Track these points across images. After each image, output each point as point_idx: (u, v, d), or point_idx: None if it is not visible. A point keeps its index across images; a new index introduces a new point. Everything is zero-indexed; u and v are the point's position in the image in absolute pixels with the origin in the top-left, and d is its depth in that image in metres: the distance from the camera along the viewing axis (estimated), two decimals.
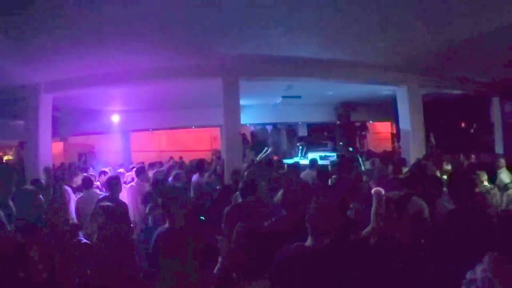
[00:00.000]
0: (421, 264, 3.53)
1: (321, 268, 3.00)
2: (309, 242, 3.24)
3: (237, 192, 6.46)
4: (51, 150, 11.14)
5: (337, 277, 2.96)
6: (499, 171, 9.51)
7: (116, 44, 8.10)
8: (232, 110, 10.55)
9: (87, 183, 8.02)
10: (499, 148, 16.51)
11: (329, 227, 3.19)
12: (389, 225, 3.95)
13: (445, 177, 8.42)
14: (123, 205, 6.80)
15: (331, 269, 3.00)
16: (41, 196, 4.36)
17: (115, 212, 5.30)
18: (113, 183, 7.34)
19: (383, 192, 3.85)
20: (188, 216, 4.57)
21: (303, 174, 9.43)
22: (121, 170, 11.11)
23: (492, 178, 8.71)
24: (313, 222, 3.21)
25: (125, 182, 10.06)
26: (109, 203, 5.51)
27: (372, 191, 3.89)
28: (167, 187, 7.62)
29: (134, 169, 9.99)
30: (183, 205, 4.49)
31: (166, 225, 4.41)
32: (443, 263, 3.31)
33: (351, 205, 5.09)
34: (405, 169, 9.19)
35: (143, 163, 12.91)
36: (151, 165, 11.25)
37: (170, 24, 7.27)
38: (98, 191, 8.50)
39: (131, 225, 7.12)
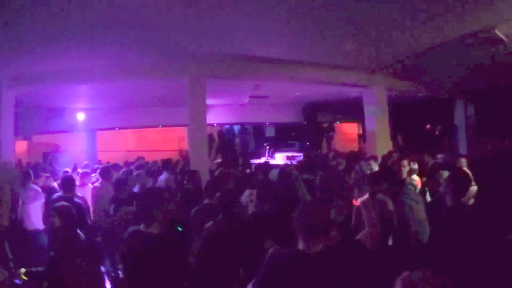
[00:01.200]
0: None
1: (314, 276, 2.88)
2: (301, 246, 3.06)
3: None
4: (14, 149, 10.88)
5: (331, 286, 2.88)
6: None
7: (82, 40, 7.95)
8: (198, 109, 10.50)
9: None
10: (462, 150, 16.95)
11: (320, 230, 3.01)
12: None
13: (414, 176, 8.67)
14: (78, 205, 6.77)
15: (325, 277, 2.88)
16: None
17: (70, 212, 5.26)
18: (69, 183, 7.33)
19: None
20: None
21: (271, 174, 9.48)
22: (86, 170, 11.00)
23: None
24: (300, 224, 3.05)
25: (91, 182, 9.99)
26: (64, 203, 5.48)
27: (360, 200, 3.80)
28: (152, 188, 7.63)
29: (98, 169, 9.91)
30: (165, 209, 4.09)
31: (141, 227, 4.03)
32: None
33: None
34: (375, 166, 9.37)
35: (109, 163, 12.80)
36: (114, 166, 11.10)
37: (136, 22, 7.20)
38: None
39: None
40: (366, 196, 3.64)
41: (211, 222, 4.62)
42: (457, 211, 4.60)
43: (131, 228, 4.21)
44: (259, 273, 2.96)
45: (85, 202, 8.05)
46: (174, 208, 4.21)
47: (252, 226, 4.56)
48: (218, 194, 5.06)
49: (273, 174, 9.24)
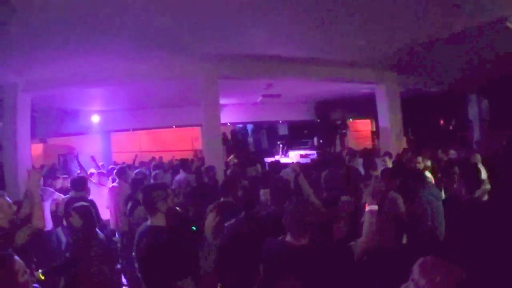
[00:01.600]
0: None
1: (295, 266, 3.05)
2: (288, 238, 3.28)
3: None
4: (30, 152, 10.98)
5: (308, 279, 3.00)
6: None
7: (96, 43, 8.04)
8: (212, 109, 10.58)
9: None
10: (477, 144, 16.84)
11: (305, 226, 3.22)
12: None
13: (427, 173, 8.62)
14: (94, 205, 6.86)
15: (304, 269, 3.04)
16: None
17: (90, 212, 5.31)
18: (80, 183, 7.43)
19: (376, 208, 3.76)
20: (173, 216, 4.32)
21: (283, 172, 9.50)
22: (102, 171, 11.07)
23: None
24: (289, 219, 3.25)
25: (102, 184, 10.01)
26: (83, 203, 5.52)
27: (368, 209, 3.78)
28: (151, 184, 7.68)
29: (115, 170, 9.96)
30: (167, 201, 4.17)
31: (148, 222, 4.13)
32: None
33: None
34: (390, 163, 9.36)
35: (124, 163, 12.88)
36: (129, 167, 11.17)
37: (149, 24, 7.27)
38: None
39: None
40: (375, 207, 3.63)
41: (233, 221, 4.65)
42: (471, 207, 4.59)
43: (141, 226, 4.28)
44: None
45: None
46: (179, 201, 4.30)
47: (268, 226, 4.60)
48: (240, 193, 5.09)
49: (286, 173, 9.31)
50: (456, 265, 2.33)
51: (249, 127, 21.21)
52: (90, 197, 7.67)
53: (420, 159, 8.71)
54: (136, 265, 4.10)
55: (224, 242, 3.53)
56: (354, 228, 4.06)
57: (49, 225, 8.14)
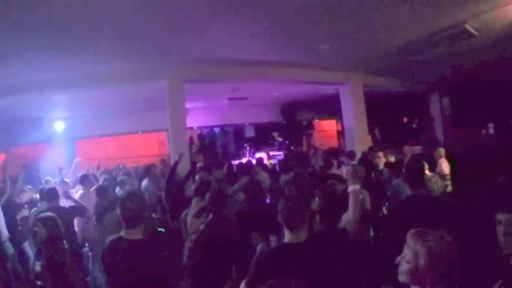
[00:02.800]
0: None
1: (302, 262, 3.10)
2: (288, 238, 3.36)
3: None
4: None
5: (323, 269, 3.07)
6: (439, 160, 10.02)
7: (58, 48, 7.93)
8: (178, 113, 10.56)
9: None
10: (439, 141, 17.31)
11: (302, 220, 3.36)
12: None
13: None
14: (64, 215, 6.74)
15: (318, 261, 3.12)
16: None
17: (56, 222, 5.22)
18: (53, 194, 7.32)
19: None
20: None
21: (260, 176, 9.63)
22: (66, 179, 10.91)
23: (433, 167, 9.21)
24: (287, 216, 3.35)
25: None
26: (49, 213, 5.44)
27: (351, 190, 3.96)
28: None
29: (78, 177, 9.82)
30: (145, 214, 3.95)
31: (124, 234, 3.89)
32: None
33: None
34: (353, 162, 9.54)
35: (88, 170, 12.75)
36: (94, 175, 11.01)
37: (113, 28, 7.22)
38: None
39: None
40: (357, 186, 3.83)
41: (203, 224, 4.71)
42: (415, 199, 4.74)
43: (111, 237, 4.21)
44: (252, 271, 3.10)
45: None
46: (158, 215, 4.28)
47: (239, 223, 4.68)
48: (207, 195, 5.13)
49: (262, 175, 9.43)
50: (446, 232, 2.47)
51: (216, 130, 21.21)
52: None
53: (380, 154, 8.92)
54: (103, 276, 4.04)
55: (194, 246, 3.57)
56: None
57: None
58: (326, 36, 8.91)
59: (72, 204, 7.75)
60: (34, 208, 8.24)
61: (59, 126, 16.27)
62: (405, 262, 2.50)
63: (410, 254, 2.46)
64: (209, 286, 2.70)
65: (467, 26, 8.54)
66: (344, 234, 3.73)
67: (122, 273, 3.58)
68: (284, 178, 7.80)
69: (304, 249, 3.24)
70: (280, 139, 20.30)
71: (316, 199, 4.27)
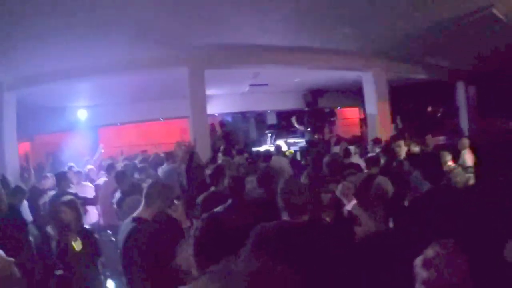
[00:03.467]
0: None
1: (298, 244, 3.05)
2: (285, 218, 3.29)
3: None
4: (17, 151, 10.90)
5: (311, 255, 3.01)
6: (463, 151, 9.80)
7: (80, 37, 7.98)
8: (199, 100, 10.57)
9: None
10: (465, 131, 17.00)
11: (303, 203, 3.24)
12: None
13: None
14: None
15: (308, 246, 3.05)
16: None
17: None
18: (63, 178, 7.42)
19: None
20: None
21: (273, 161, 9.60)
22: (90, 166, 10.99)
23: (456, 158, 9.05)
24: (285, 197, 3.26)
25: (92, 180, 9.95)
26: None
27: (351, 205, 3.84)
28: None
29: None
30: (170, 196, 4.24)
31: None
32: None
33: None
34: (377, 150, 9.44)
35: (111, 157, 12.84)
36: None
37: (134, 16, 7.22)
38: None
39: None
40: (353, 202, 3.69)
41: (220, 208, 4.67)
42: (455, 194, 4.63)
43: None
44: (247, 247, 3.04)
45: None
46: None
47: (256, 210, 4.62)
48: (226, 181, 5.09)
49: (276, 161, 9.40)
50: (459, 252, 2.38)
51: (238, 117, 21.20)
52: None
53: (401, 143, 8.80)
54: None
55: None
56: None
57: None
58: (349, 19, 8.78)
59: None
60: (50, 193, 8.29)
61: (82, 114, 16.41)
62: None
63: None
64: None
65: (494, 11, 8.31)
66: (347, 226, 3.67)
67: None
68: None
69: (296, 231, 3.17)
70: (299, 127, 20.14)
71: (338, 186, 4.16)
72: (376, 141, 10.29)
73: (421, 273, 2.39)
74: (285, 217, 3.28)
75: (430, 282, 2.32)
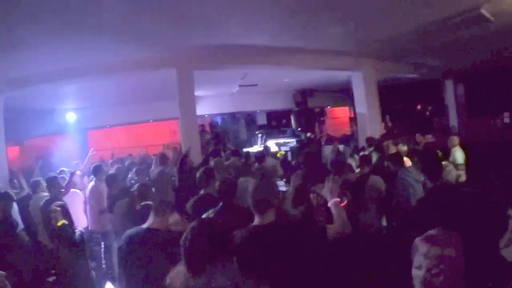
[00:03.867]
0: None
1: (266, 245, 3.09)
2: (256, 221, 3.35)
3: None
4: (6, 155, 10.79)
5: (279, 255, 3.04)
6: (453, 149, 9.86)
7: (67, 39, 7.90)
8: (188, 101, 10.54)
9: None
10: (453, 129, 17.15)
11: (268, 202, 3.31)
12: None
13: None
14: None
15: (275, 246, 3.08)
16: None
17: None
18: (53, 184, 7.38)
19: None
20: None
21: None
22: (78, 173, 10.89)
23: (446, 156, 9.13)
24: (252, 198, 3.33)
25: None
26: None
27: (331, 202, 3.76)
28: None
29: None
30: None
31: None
32: None
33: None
34: (370, 149, 9.50)
35: (102, 160, 12.78)
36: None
37: (122, 16, 7.16)
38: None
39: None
40: (337, 199, 3.66)
41: (211, 212, 4.62)
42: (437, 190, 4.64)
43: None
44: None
45: None
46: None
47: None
48: (217, 184, 5.03)
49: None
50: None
51: (227, 117, 21.20)
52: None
53: (390, 143, 8.87)
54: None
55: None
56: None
57: None
58: (337, 19, 8.78)
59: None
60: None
61: (71, 117, 16.33)
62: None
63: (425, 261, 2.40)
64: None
65: (483, 11, 8.35)
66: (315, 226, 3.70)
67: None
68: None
69: (263, 232, 3.24)
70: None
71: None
72: (369, 140, 10.36)
73: (421, 247, 2.43)
74: (256, 217, 3.35)
75: (429, 255, 2.37)
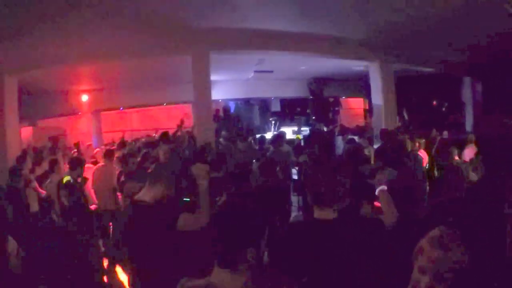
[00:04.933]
0: None
1: (327, 242, 2.77)
2: (316, 214, 2.94)
3: None
4: (19, 136, 10.80)
5: (340, 256, 2.75)
6: (468, 146, 9.72)
7: (84, 20, 7.85)
8: (203, 85, 10.40)
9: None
10: (469, 127, 16.94)
11: (333, 195, 2.87)
12: None
13: (422, 151, 8.69)
14: None
15: (337, 243, 2.78)
16: None
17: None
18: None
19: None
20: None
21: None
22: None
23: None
24: (313, 189, 2.91)
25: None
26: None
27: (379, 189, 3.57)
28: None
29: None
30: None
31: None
32: None
33: None
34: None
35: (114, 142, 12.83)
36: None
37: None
38: None
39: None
40: (384, 187, 3.49)
41: (224, 197, 4.53)
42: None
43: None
44: (278, 240, 2.87)
45: None
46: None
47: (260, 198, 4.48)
48: (229, 168, 4.94)
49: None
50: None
51: (241, 103, 21.13)
52: None
53: (407, 137, 8.82)
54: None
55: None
56: None
57: None
58: (357, 7, 8.61)
59: None
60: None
61: (84, 98, 16.33)
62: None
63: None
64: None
65: (507, 6, 8.14)
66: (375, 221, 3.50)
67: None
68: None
69: (324, 228, 2.86)
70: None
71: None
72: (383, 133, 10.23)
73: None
74: (315, 210, 2.93)
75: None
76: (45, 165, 9.57)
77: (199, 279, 2.10)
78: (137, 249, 3.52)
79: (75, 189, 6.42)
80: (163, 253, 3.34)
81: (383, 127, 11.57)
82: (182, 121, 12.04)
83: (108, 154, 8.85)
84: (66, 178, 6.64)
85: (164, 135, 10.51)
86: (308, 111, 21.04)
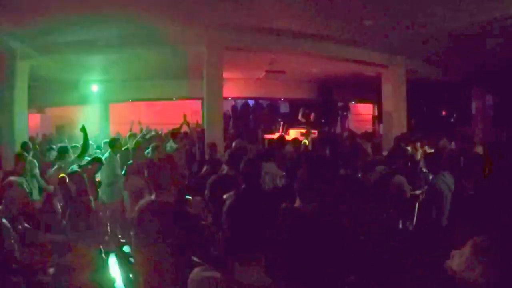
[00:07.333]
0: None
1: (305, 230, 2.97)
2: (297, 203, 3.22)
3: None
4: (27, 122, 10.77)
5: (317, 242, 2.90)
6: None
7: (97, 9, 7.81)
8: (215, 81, 10.33)
9: None
10: (477, 139, 16.82)
11: (315, 192, 3.17)
12: None
13: None
14: None
15: (314, 232, 2.95)
16: None
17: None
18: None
19: None
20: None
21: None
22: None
23: None
24: (300, 185, 3.21)
25: None
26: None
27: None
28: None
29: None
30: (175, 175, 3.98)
31: (152, 197, 3.82)
32: None
33: None
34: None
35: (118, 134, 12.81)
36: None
37: None
38: None
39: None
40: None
41: (232, 193, 4.44)
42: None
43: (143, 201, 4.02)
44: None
45: None
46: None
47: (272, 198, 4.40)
48: (241, 166, 4.82)
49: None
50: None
51: (251, 102, 21.07)
52: None
53: (418, 145, 8.75)
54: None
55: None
56: None
57: None
58: (373, 12, 8.56)
59: None
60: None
61: (94, 88, 16.31)
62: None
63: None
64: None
65: None
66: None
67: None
68: None
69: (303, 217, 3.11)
70: (302, 119, 19.87)
71: None
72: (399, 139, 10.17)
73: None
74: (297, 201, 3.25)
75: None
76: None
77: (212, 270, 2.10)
78: None
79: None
80: None
81: (393, 133, 11.54)
82: (185, 117, 12.02)
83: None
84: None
85: (174, 134, 10.55)
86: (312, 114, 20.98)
